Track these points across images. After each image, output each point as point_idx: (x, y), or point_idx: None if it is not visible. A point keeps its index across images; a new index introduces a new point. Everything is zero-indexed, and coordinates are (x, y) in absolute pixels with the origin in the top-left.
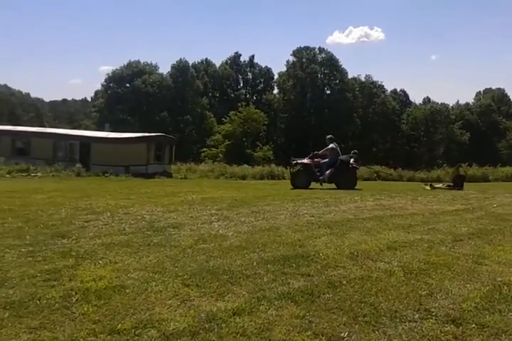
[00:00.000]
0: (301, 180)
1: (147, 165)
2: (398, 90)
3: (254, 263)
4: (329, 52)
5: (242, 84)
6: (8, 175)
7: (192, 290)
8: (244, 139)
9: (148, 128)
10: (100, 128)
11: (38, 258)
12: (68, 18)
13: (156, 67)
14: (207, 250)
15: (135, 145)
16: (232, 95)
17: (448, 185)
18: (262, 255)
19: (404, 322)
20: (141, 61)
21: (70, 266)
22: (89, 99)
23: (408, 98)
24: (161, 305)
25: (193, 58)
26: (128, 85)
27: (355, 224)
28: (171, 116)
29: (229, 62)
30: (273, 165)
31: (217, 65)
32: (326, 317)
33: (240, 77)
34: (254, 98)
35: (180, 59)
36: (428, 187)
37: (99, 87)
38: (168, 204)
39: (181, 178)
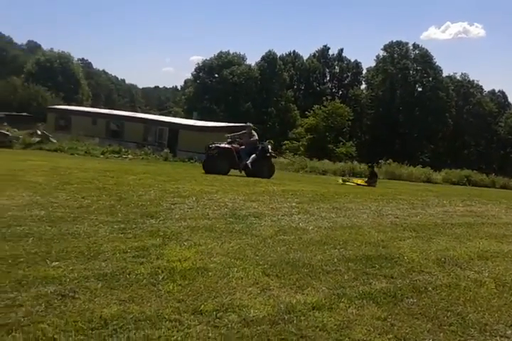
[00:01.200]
0: (220, 165)
1: None
2: (496, 91)
3: (335, 260)
4: (423, 48)
5: (328, 78)
6: (102, 156)
7: (272, 280)
8: (327, 134)
9: (233, 118)
10: (188, 115)
11: (129, 235)
12: (164, 9)
13: (244, 58)
14: (287, 242)
15: (220, 135)
16: (318, 88)
17: (366, 181)
18: (343, 252)
19: (495, 337)
20: (231, 52)
21: (157, 245)
22: (179, 87)
23: (507, 100)
24: (242, 291)
25: (281, 50)
26: (216, 75)
27: (442, 230)
28: (255, 108)
29: (317, 55)
30: (355, 162)
31: (305, 57)
32: (409, 322)
33: (327, 70)
34: (340, 92)
35: (270, 51)
36: (340, 181)
37: (189, 76)
38: (249, 194)
39: None
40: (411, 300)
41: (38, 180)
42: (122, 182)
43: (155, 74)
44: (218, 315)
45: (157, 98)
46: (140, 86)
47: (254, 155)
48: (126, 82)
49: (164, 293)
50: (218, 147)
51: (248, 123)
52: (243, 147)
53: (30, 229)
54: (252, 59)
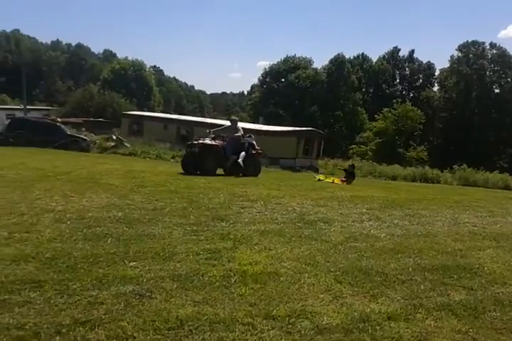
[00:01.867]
0: (207, 164)
1: (295, 159)
2: None
3: (410, 269)
4: (501, 48)
5: (398, 80)
6: (172, 160)
7: (344, 287)
8: (396, 138)
9: (299, 122)
10: (254, 120)
11: (201, 237)
12: (232, 16)
13: (311, 61)
14: (358, 249)
15: (285, 139)
16: (387, 91)
17: (342, 180)
18: (418, 261)
19: None
20: (298, 56)
21: (228, 248)
22: (245, 92)
23: None
24: (314, 297)
25: (349, 53)
26: (283, 80)
27: None
28: (321, 111)
29: (386, 56)
30: (427, 167)
31: (374, 59)
32: (492, 337)
33: (397, 72)
34: (411, 95)
35: (338, 54)
36: (317, 178)
37: (256, 81)
38: (317, 199)
39: (328, 174)
40: (493, 313)
41: (115, 182)
42: (193, 185)
43: (223, 80)
44: (291, 320)
45: (224, 103)
46: (208, 92)
47: (243, 153)
48: (195, 88)
49: (237, 296)
50: (203, 143)
51: (233, 117)
52: (227, 143)
53: (109, 230)
54: (319, 62)
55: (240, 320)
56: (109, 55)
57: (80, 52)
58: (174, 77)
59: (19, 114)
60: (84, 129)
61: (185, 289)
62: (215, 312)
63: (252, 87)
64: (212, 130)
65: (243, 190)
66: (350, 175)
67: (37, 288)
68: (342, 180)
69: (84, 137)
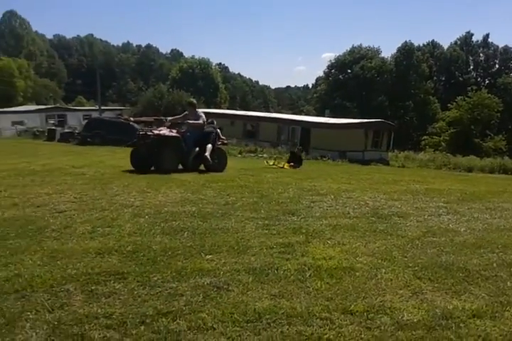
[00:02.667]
0: (167, 159)
1: (364, 152)
2: None
3: (494, 265)
4: None
5: (472, 67)
6: (239, 155)
7: (424, 283)
8: (472, 127)
9: (367, 114)
10: (320, 113)
11: (273, 231)
12: (295, 9)
13: (378, 51)
14: (437, 244)
15: (353, 131)
16: (460, 79)
17: (290, 165)
18: (502, 257)
19: None
20: (364, 46)
21: (301, 242)
22: (310, 85)
23: None
24: (392, 293)
25: (418, 41)
26: (349, 71)
27: None
28: (390, 102)
29: (458, 42)
30: (506, 158)
31: (445, 46)
32: None
33: (471, 58)
34: (487, 81)
35: (406, 42)
36: (270, 163)
37: (320, 73)
38: (390, 192)
39: (399, 166)
40: None
41: (187, 178)
42: (262, 180)
43: (287, 74)
44: (369, 316)
45: (289, 97)
46: (272, 86)
47: (210, 145)
48: (260, 83)
49: (313, 290)
50: (159, 134)
51: (190, 100)
52: (187, 133)
53: (185, 224)
54: (387, 52)
55: (317, 314)
56: (176, 55)
57: (149, 53)
58: (239, 73)
59: (95, 115)
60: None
61: (260, 282)
62: (291, 306)
63: (317, 79)
64: (170, 118)
65: (312, 184)
66: (298, 160)
67: (121, 280)
68: (290, 165)
69: None
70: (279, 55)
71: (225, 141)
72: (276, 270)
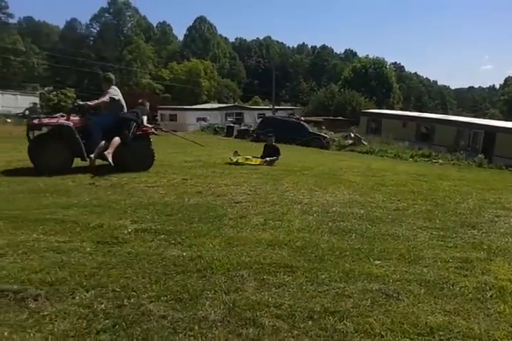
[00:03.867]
0: (55, 156)
1: None
2: None
3: None
4: None
5: None
6: (411, 159)
7: None
8: None
9: None
10: (508, 118)
11: (449, 244)
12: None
13: None
14: None
15: None
16: None
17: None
18: None
19: None
20: None
21: (481, 258)
22: (497, 86)
23: None
24: None
25: None
26: None
27: None
28: None
29: None
30: None
31: None
32: None
33: None
34: None
35: None
36: (234, 159)
37: (510, 73)
38: None
39: None
40: None
41: (356, 180)
42: (437, 187)
43: (470, 74)
44: None
45: (471, 99)
46: (453, 87)
47: (117, 139)
48: (438, 83)
49: (494, 312)
50: (47, 124)
51: (105, 74)
52: (97, 118)
53: (353, 226)
54: None
55: (498, 339)
56: (349, 55)
57: (323, 53)
58: (415, 73)
59: (268, 114)
60: (324, 127)
61: (433, 296)
62: (468, 326)
63: (506, 79)
64: (77, 104)
65: (496, 196)
66: (274, 152)
67: (290, 273)
68: (265, 161)
69: (325, 135)
70: (461, 53)
71: (151, 130)
72: (452, 285)
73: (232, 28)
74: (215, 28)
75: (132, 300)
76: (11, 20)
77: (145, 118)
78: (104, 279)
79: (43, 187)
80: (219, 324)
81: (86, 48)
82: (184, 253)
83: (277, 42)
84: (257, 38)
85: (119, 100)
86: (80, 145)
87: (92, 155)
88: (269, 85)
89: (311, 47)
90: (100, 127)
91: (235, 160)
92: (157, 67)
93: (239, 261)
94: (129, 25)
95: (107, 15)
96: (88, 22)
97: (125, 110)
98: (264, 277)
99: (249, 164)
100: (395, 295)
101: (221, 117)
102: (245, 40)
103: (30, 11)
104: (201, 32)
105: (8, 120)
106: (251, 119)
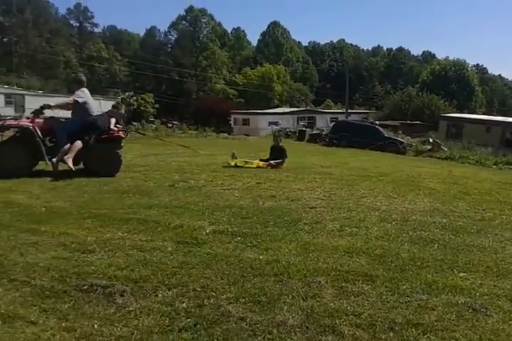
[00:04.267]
0: (10, 159)
1: None
2: None
3: None
4: None
5: None
6: (494, 166)
7: None
8: None
9: None
10: None
11: None
12: None
13: None
14: None
15: None
16: None
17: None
18: None
19: None
20: None
21: None
22: None
23: None
24: None
25: None
26: None
27: None
28: None
29: None
30: None
31: None
32: None
33: None
34: None
35: None
36: (232, 162)
37: None
38: None
39: None
40: None
41: (436, 187)
42: None
43: None
44: None
45: None
46: None
47: (78, 143)
48: None
49: None
50: (8, 125)
51: (77, 75)
52: (64, 122)
53: (435, 236)
54: None
55: None
56: (427, 57)
57: (399, 56)
58: (499, 75)
59: (341, 118)
60: (400, 132)
61: None
62: None
63: None
64: (43, 105)
65: None
66: (280, 153)
67: (369, 282)
68: (269, 164)
69: (401, 140)
70: None
71: (117, 133)
72: None
73: (305, 32)
74: (288, 32)
75: (212, 301)
76: (96, 30)
77: (113, 121)
78: (185, 278)
79: (126, 188)
80: (297, 329)
81: (164, 55)
82: (261, 257)
83: (351, 45)
84: (331, 41)
85: (84, 103)
86: (39, 147)
87: (54, 159)
88: (342, 89)
89: (387, 49)
90: (65, 131)
91: (232, 163)
92: (231, 72)
93: (316, 267)
94: (205, 31)
95: (184, 22)
96: (166, 29)
97: (93, 113)
98: (343, 285)
99: (249, 167)
100: (482, 310)
101: (293, 121)
102: (318, 43)
103: (113, 19)
104: (274, 37)
105: None
106: (323, 123)
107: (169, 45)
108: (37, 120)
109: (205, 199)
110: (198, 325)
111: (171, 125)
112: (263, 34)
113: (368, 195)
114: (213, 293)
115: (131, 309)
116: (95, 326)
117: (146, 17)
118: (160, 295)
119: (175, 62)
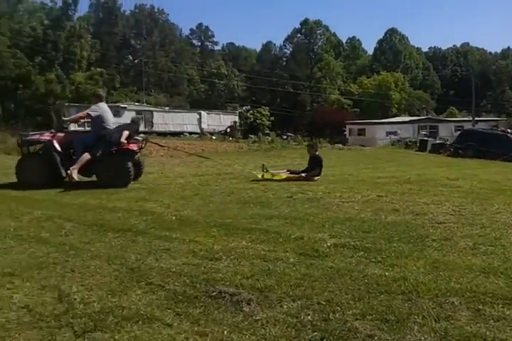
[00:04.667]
0: (32, 171)
1: None
2: None
3: None
4: None
5: None
6: None
7: None
8: None
9: None
10: None
11: None
12: None
13: None
14: None
15: None
16: None
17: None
18: None
19: None
20: None
21: None
22: None
23: None
24: None
25: None
26: None
27: None
28: None
29: None
30: None
31: None
32: None
33: None
34: None
35: None
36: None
37: None
38: None
39: None
40: None
41: None
42: None
43: None
44: None
45: None
46: None
47: (86, 155)
48: None
49: None
50: (30, 140)
51: (96, 90)
52: (81, 136)
53: None
54: None
55: None
56: None
57: None
58: None
59: (467, 126)
60: None
61: None
62: None
63: None
64: (64, 119)
65: None
66: (315, 164)
67: (510, 306)
68: (301, 176)
69: None
70: None
71: (127, 146)
72: None
73: (425, 37)
74: (406, 38)
75: (337, 315)
76: (216, 47)
77: (125, 133)
78: (309, 291)
79: (248, 199)
80: None
81: (279, 68)
82: (386, 273)
83: (477, 48)
84: (454, 46)
85: (98, 116)
86: (55, 160)
87: (69, 171)
88: (467, 95)
89: None
90: (82, 143)
91: (260, 176)
92: (346, 82)
93: (448, 287)
94: (320, 42)
95: (299, 35)
96: (282, 43)
97: (109, 126)
98: (479, 307)
99: (276, 180)
100: None
101: (413, 130)
102: (440, 48)
103: (231, 37)
104: (392, 44)
105: (214, 137)
106: (447, 132)
107: (284, 59)
108: (58, 134)
109: (324, 212)
110: (325, 340)
111: (285, 137)
112: (380, 42)
113: (503, 210)
114: (338, 308)
115: (257, 318)
116: (225, 332)
117: (262, 33)
118: (285, 306)
119: (290, 75)
